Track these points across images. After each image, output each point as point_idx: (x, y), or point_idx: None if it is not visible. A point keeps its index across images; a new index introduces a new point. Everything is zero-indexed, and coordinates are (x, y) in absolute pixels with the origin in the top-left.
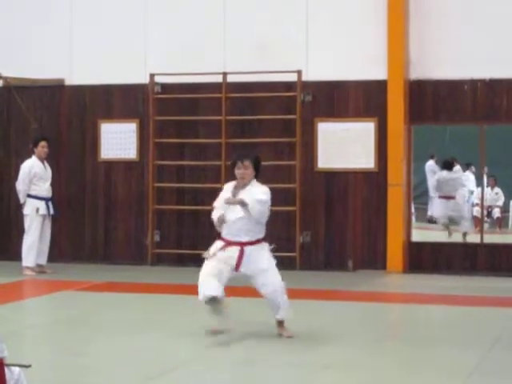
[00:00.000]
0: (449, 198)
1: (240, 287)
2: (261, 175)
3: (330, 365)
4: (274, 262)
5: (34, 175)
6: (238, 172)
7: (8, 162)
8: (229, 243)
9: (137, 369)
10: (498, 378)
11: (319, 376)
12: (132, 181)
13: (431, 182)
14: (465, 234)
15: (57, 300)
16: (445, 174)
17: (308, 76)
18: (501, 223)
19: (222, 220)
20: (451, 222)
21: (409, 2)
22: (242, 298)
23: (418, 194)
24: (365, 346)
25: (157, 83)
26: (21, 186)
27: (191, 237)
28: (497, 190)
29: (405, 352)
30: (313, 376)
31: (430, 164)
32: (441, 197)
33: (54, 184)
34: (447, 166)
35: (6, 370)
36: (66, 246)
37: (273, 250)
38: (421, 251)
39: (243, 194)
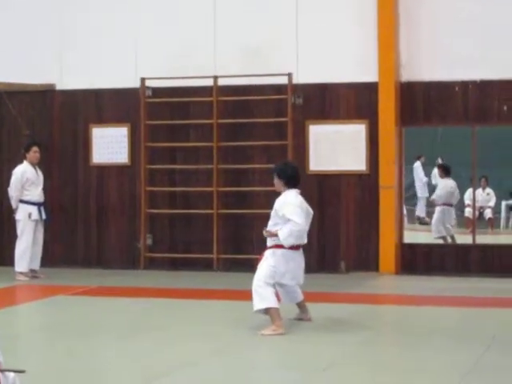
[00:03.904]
0: (450, 205)
1: (236, 291)
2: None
3: (326, 367)
4: (267, 262)
5: (26, 180)
6: None
7: (0, 168)
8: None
9: (131, 373)
10: (493, 377)
11: (316, 378)
12: (124, 185)
13: (419, 183)
14: (452, 237)
15: (50, 305)
16: (449, 181)
17: (299, 79)
18: (492, 224)
19: None
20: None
21: (398, 5)
22: (236, 302)
23: (409, 196)
24: (359, 348)
25: (148, 87)
26: (13, 191)
27: (184, 240)
28: (488, 190)
29: (400, 353)
30: (309, 378)
31: (418, 165)
32: (445, 204)
33: (46, 189)
34: (448, 171)
35: (0, 375)
36: (58, 251)
37: None
38: (413, 253)
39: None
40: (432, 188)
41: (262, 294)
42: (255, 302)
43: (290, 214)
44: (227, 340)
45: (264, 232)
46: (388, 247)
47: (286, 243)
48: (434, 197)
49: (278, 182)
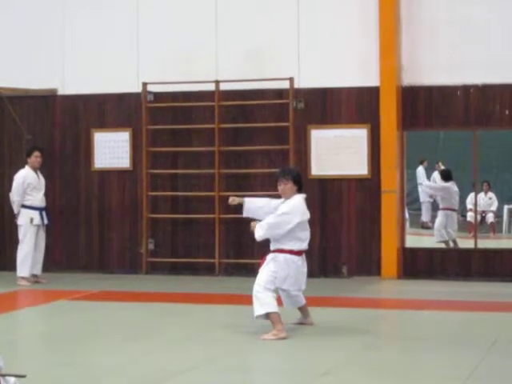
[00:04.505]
0: (453, 210)
1: (237, 295)
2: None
3: (327, 371)
4: (267, 267)
5: (27, 185)
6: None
7: (1, 173)
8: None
9: (132, 378)
10: (494, 382)
11: (317, 383)
12: (126, 190)
13: (422, 188)
14: (454, 241)
15: (52, 310)
16: (451, 186)
17: (300, 83)
18: (494, 228)
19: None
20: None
21: (400, 9)
22: (237, 306)
23: (412, 200)
24: (361, 352)
25: (149, 92)
26: (15, 196)
27: (185, 245)
28: (490, 195)
29: (401, 357)
30: (310, 383)
31: (420, 169)
32: (447, 209)
33: (48, 194)
34: (448, 176)
35: (1, 380)
36: (60, 256)
37: None
38: (415, 257)
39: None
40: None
41: (262, 300)
42: (255, 307)
43: (279, 210)
44: (228, 345)
45: (251, 224)
46: (390, 251)
47: (257, 234)
48: (425, 183)
49: (290, 187)
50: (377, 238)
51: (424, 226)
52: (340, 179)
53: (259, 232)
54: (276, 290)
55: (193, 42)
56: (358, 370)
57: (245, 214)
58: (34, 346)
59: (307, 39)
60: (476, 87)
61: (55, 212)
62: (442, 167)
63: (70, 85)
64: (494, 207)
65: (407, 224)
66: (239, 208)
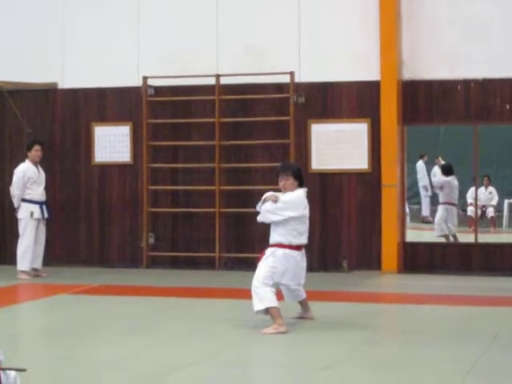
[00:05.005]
0: (453, 204)
1: (238, 289)
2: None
3: (327, 365)
4: (266, 262)
5: (27, 179)
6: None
7: (2, 167)
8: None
9: (132, 372)
10: (495, 377)
11: (317, 377)
12: (126, 184)
13: (423, 182)
14: (455, 236)
15: (52, 304)
16: (450, 179)
17: (301, 77)
18: (495, 223)
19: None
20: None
21: (401, 3)
22: (238, 300)
23: (412, 195)
24: (361, 347)
25: (150, 86)
26: (15, 190)
27: (186, 239)
28: (491, 189)
29: (401, 352)
30: (310, 377)
31: (420, 164)
32: (447, 203)
33: (48, 188)
34: (449, 171)
35: (1, 373)
36: (60, 250)
37: None
38: (415, 251)
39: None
40: (432, 192)
41: (261, 295)
42: (255, 302)
43: (280, 198)
44: (229, 339)
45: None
46: (390, 246)
47: (258, 217)
48: (433, 180)
49: (291, 183)
50: (377, 233)
51: (424, 221)
52: (340, 173)
53: (259, 216)
54: (276, 284)
55: (193, 36)
56: (358, 365)
57: (258, 208)
58: (34, 339)
59: (308, 33)
60: (476, 81)
61: (55, 206)
62: (442, 162)
63: (71, 79)
64: (495, 201)
65: (407, 218)
66: (239, 202)
